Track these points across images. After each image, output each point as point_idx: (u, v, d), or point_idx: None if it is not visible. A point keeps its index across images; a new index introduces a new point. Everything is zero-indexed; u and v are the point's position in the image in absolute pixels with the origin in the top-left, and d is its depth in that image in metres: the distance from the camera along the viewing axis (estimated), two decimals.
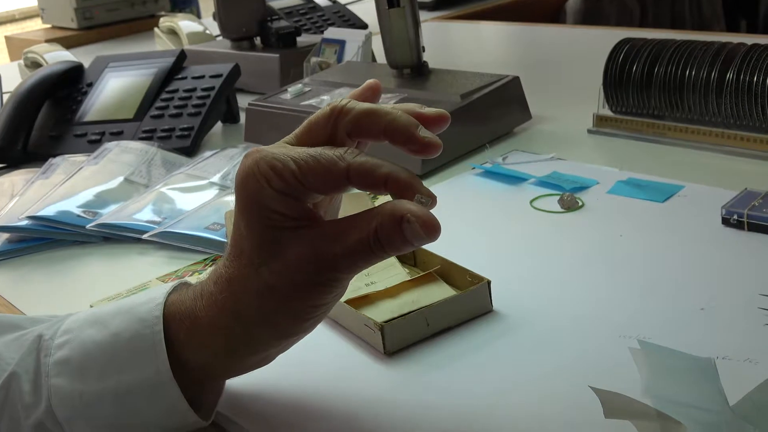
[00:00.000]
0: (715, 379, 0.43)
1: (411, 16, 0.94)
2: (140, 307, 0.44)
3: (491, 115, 0.91)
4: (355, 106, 0.42)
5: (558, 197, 0.73)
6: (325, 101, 0.94)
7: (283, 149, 0.42)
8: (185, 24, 1.46)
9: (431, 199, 0.40)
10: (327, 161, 0.40)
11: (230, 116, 1.10)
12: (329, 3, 1.68)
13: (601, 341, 0.52)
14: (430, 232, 0.40)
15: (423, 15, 1.74)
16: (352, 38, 1.14)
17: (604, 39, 1.05)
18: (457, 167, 0.84)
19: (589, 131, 0.91)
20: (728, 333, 0.51)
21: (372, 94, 0.47)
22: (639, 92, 0.87)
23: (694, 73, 0.83)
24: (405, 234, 0.40)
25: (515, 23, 1.63)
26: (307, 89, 0.99)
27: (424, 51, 0.97)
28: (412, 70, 0.96)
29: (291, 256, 0.41)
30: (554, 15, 2.19)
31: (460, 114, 0.87)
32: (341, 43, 1.14)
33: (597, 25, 1.90)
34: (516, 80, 0.94)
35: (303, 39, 1.26)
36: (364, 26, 1.59)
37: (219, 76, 1.06)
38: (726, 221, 0.65)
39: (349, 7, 1.71)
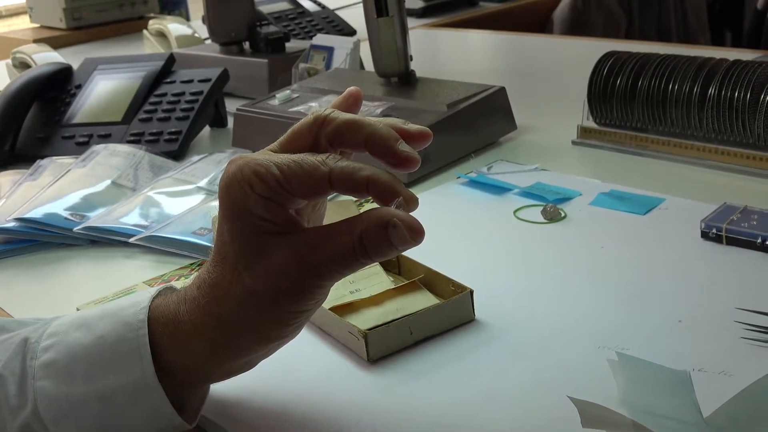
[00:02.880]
0: (690, 391, 0.44)
1: (399, 25, 0.95)
2: (125, 310, 0.45)
3: (477, 125, 0.92)
4: (337, 117, 0.43)
5: (541, 208, 0.74)
6: (313, 108, 0.94)
7: (266, 155, 0.42)
8: (174, 27, 1.46)
9: (412, 202, 0.41)
10: (309, 166, 0.41)
11: (218, 121, 1.11)
12: (318, 8, 1.69)
13: (580, 352, 0.53)
14: (416, 235, 0.41)
15: (411, 22, 1.74)
16: (341, 45, 1.15)
17: (590, 50, 1.06)
18: (442, 176, 0.85)
19: (574, 142, 0.92)
20: (705, 345, 0.52)
21: (353, 102, 0.48)
22: (623, 105, 0.88)
23: (677, 87, 0.84)
24: (391, 238, 0.41)
25: (502, 32, 1.64)
26: (295, 95, 1.00)
27: (411, 60, 0.98)
28: (400, 78, 0.97)
29: (274, 262, 0.41)
30: (542, 24, 2.21)
31: (446, 123, 0.87)
32: (329, 50, 1.15)
33: (584, 36, 1.91)
34: (502, 91, 0.95)
35: (292, 45, 1.26)
36: (353, 32, 1.60)
37: (208, 80, 1.07)
38: (705, 235, 0.66)
39: (338, 12, 1.71)
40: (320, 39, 1.18)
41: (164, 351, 0.44)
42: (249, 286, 0.42)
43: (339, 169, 0.41)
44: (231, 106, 1.10)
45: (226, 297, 0.42)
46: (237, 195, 0.42)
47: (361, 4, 0.97)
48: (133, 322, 0.44)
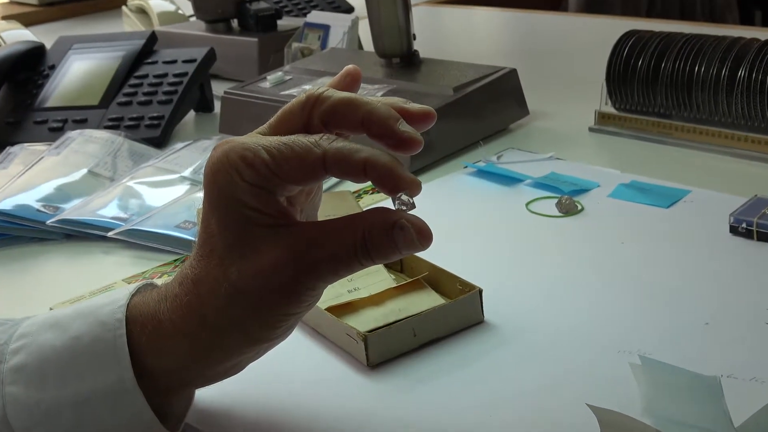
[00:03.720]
0: (719, 398, 0.43)
1: (401, 1, 0.95)
2: (101, 309, 0.45)
3: (486, 110, 0.91)
4: (332, 95, 0.43)
5: (556, 200, 0.74)
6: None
7: (254, 139, 0.42)
8: (156, 3, 1.45)
9: (414, 187, 0.41)
10: (301, 148, 0.41)
11: (204, 105, 1.10)
12: None
13: (599, 355, 0.53)
14: (424, 239, 0.40)
15: None
16: (337, 23, 1.14)
17: (608, 30, 1.06)
18: (448, 165, 0.85)
19: (591, 129, 0.92)
20: (734, 349, 0.52)
21: (351, 81, 0.47)
22: (644, 89, 0.88)
23: (703, 69, 0.84)
24: (396, 241, 0.40)
25: (513, 9, 1.64)
26: (287, 77, 1.00)
27: (414, 39, 0.98)
28: (402, 59, 0.97)
29: (265, 258, 0.41)
30: (555, 1, 2.21)
31: (452, 108, 0.87)
32: (325, 28, 1.15)
33: (601, 14, 1.91)
34: (513, 73, 0.95)
35: (284, 22, 1.26)
36: (351, 9, 1.59)
37: (192, 61, 1.07)
38: (734, 229, 0.66)
39: None
40: (315, 16, 1.18)
41: (143, 353, 0.43)
42: (236, 284, 0.41)
43: (334, 151, 0.41)
44: (218, 88, 1.10)
45: (211, 294, 0.42)
46: (223, 183, 0.41)
47: None
48: (110, 321, 0.44)
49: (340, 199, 0.73)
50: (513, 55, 1.31)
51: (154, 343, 0.43)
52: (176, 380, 0.45)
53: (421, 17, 1.55)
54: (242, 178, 0.41)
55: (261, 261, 0.41)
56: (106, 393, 0.43)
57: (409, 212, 0.41)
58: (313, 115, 0.43)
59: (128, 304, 0.45)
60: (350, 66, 0.47)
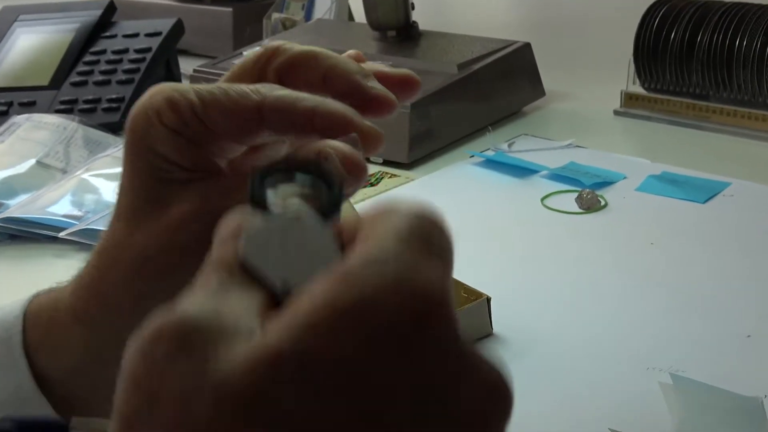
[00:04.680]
0: (762, 421, 0.44)
1: None
2: (4, 309, 0.43)
3: (495, 90, 0.92)
4: (291, 47, 0.41)
5: (576, 195, 0.74)
6: None
7: (190, 84, 0.41)
8: None
9: (374, 140, 0.38)
10: (237, 93, 0.38)
11: None
12: None
13: (624, 373, 0.53)
14: (354, 170, 0.37)
15: None
16: None
17: None
18: (451, 155, 0.85)
19: (616, 112, 0.92)
20: None
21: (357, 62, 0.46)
22: (677, 66, 0.88)
23: (745, 43, 0.84)
24: None
25: None
26: None
27: (413, 8, 0.98)
28: (399, 32, 0.97)
29: (173, 213, 0.39)
30: None
31: (456, 88, 0.87)
32: None
33: None
34: (527, 47, 0.95)
35: None
36: None
37: (157, 34, 1.07)
38: None
39: None
40: None
41: (38, 351, 0.41)
42: (141, 249, 0.39)
43: (274, 98, 0.38)
44: (187, 66, 1.10)
45: (114, 267, 0.40)
46: (140, 127, 0.39)
47: None
48: (8, 319, 0.42)
49: None
50: (527, 26, 1.32)
51: (48, 336, 0.41)
52: (76, 389, 0.43)
53: None
54: (161, 120, 0.38)
55: (168, 218, 0.39)
56: (7, 405, 0.41)
57: None
58: (268, 70, 0.41)
59: (34, 299, 0.43)
60: (353, 51, 0.46)
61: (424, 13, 1.04)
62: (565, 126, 0.91)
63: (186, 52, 1.20)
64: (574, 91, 1.00)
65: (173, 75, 1.10)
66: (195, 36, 1.19)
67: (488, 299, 0.57)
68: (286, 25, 1.13)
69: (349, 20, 1.19)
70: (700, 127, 0.87)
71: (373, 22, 0.98)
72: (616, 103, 0.93)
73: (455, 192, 0.78)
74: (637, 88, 0.92)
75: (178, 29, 1.08)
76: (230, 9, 1.21)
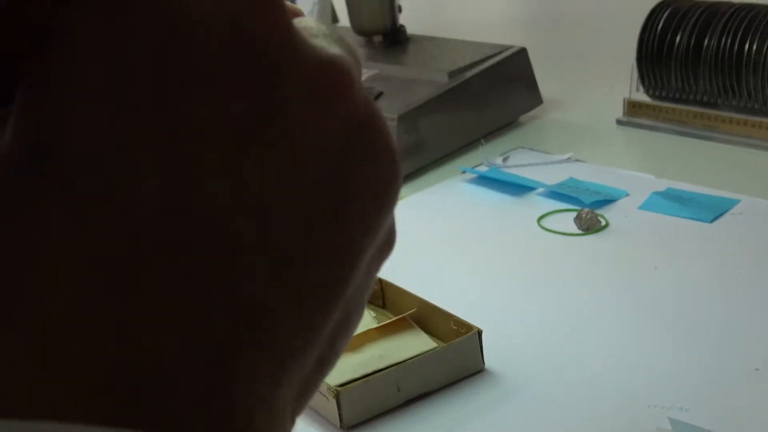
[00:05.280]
0: None
1: None
2: None
3: (489, 99, 0.92)
4: None
5: (574, 214, 0.75)
6: None
7: None
8: None
9: None
10: None
11: None
12: None
13: (624, 411, 0.53)
14: None
15: None
16: None
17: None
18: (442, 170, 0.86)
19: (619, 122, 0.93)
20: None
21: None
22: (683, 71, 0.89)
23: (755, 47, 0.85)
24: None
25: None
26: None
27: (400, 11, 0.99)
28: (385, 37, 0.98)
29: None
30: None
31: (447, 98, 0.88)
32: None
33: None
34: (522, 53, 0.96)
35: None
36: None
37: None
38: None
39: None
40: None
41: None
42: None
43: None
44: None
45: None
46: None
47: None
48: None
49: None
50: (523, 29, 1.32)
51: None
52: None
53: None
54: None
55: None
56: None
57: None
58: None
59: None
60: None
61: (413, 16, 1.05)
62: (564, 137, 0.91)
63: None
64: (573, 99, 1.00)
65: None
66: None
67: (479, 332, 0.58)
68: None
69: (333, 23, 1.20)
70: (707, 137, 0.88)
71: (358, 27, 0.98)
72: (619, 112, 0.93)
73: (447, 212, 0.78)
74: (641, 96, 0.93)
75: None
76: None
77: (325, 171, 0.22)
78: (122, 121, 0.20)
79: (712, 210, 0.74)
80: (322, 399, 0.55)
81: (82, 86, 0.20)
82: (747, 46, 0.85)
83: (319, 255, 0.22)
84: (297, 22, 0.25)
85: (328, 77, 0.22)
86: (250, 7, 0.21)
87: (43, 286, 0.19)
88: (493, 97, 0.93)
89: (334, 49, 0.23)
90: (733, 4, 0.89)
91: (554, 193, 0.79)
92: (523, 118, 0.96)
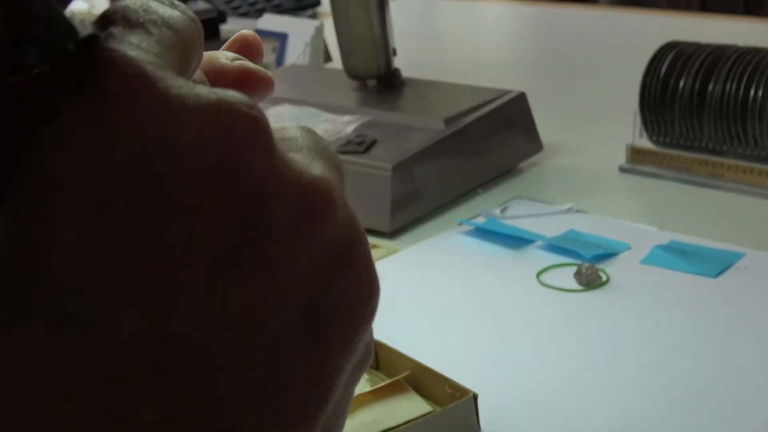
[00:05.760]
0: None
1: (377, 5, 0.97)
2: None
3: (487, 146, 0.94)
4: None
5: (574, 269, 0.76)
6: None
7: None
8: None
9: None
10: None
11: None
12: None
13: None
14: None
15: None
16: (297, 30, 1.17)
17: (650, 30, 1.09)
18: (438, 221, 0.88)
19: (621, 169, 0.95)
20: None
21: (240, 49, 0.37)
22: (688, 117, 0.91)
23: (761, 93, 0.87)
24: None
25: (524, 2, 1.68)
26: None
27: (395, 55, 1.01)
28: (379, 81, 1.00)
29: None
30: None
31: (443, 146, 0.90)
32: (282, 38, 1.18)
33: (644, 6, 1.93)
34: (521, 98, 0.98)
35: (230, 27, 1.29)
36: (317, 2, 1.63)
37: None
38: None
39: None
40: (269, 21, 1.21)
41: None
42: None
43: None
44: None
45: None
46: None
47: None
48: None
49: None
50: (523, 68, 1.34)
51: None
52: None
53: (406, 13, 1.59)
54: None
55: None
56: None
57: None
58: None
59: None
60: (245, 32, 0.38)
61: (409, 56, 1.07)
62: (564, 185, 0.93)
63: None
64: (574, 145, 1.02)
65: None
66: None
67: (475, 396, 0.59)
68: None
69: (326, 61, 1.22)
70: (712, 186, 0.90)
71: (351, 71, 1.00)
72: (621, 159, 0.95)
73: (443, 266, 0.80)
74: (644, 142, 0.95)
75: None
76: None
77: (305, 292, 0.23)
78: (105, 248, 0.21)
79: (717, 264, 0.76)
80: None
81: (64, 212, 0.21)
82: (753, 92, 0.87)
83: (296, 377, 0.23)
84: (280, 133, 0.26)
85: (311, 201, 0.23)
86: (234, 133, 0.22)
87: (24, 410, 0.21)
88: (491, 143, 0.95)
89: (316, 167, 0.24)
90: (738, 48, 0.91)
91: (554, 247, 0.81)
92: (522, 164, 0.98)
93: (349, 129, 0.93)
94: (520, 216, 0.87)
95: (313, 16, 1.56)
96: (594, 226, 0.84)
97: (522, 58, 1.44)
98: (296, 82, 1.07)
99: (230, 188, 0.22)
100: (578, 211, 0.87)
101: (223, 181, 0.22)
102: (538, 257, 0.80)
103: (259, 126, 0.23)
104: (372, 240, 0.83)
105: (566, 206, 0.88)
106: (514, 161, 0.98)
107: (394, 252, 0.81)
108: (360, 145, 0.89)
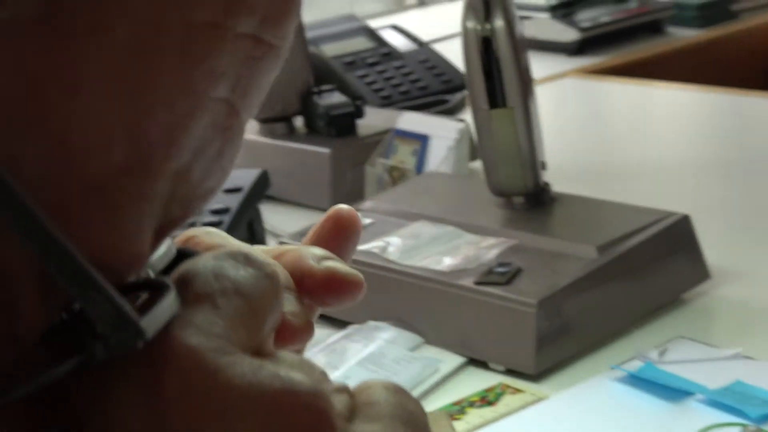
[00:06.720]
0: None
1: (524, 119, 0.99)
2: None
3: (645, 277, 0.95)
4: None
5: (739, 429, 0.76)
6: (393, 249, 0.98)
7: None
8: None
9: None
10: None
11: None
12: (414, 46, 1.73)
13: None
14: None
15: (559, 63, 1.79)
16: (440, 132, 1.19)
17: None
18: (587, 364, 0.88)
19: None
20: None
21: (335, 230, 0.41)
22: None
23: None
24: None
25: (707, 87, 1.65)
26: (367, 221, 1.03)
27: (544, 169, 1.02)
28: (527, 198, 1.01)
29: None
30: None
31: (596, 278, 0.91)
32: (423, 140, 1.19)
33: None
34: (685, 221, 0.98)
35: (367, 122, 1.30)
36: (460, 87, 1.63)
37: (237, 190, 1.11)
38: None
39: (443, 47, 1.74)
40: (408, 121, 1.23)
41: None
42: None
43: None
44: (274, 219, 1.15)
45: None
46: None
47: None
48: None
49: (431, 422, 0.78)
50: (698, 171, 1.32)
51: None
52: None
53: (566, 97, 1.59)
54: None
55: None
56: None
57: None
58: None
59: None
60: (339, 208, 0.42)
61: (563, 163, 1.08)
62: (733, 321, 0.93)
63: (273, 198, 1.24)
64: (746, 272, 1.01)
65: (257, 237, 1.16)
66: (285, 179, 1.25)
67: None
68: (394, 176, 1.17)
69: (472, 159, 1.22)
70: None
71: (495, 187, 1.01)
72: None
73: (590, 419, 0.80)
74: None
75: (262, 183, 1.13)
76: (328, 150, 1.26)
77: None
78: None
79: None
80: None
81: None
82: None
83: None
84: (365, 394, 0.29)
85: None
86: (296, 429, 0.26)
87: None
88: (649, 273, 0.95)
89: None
90: None
91: (716, 402, 0.80)
92: (686, 295, 0.98)
93: (492, 254, 0.94)
94: (681, 361, 0.87)
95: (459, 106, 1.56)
96: (765, 376, 0.83)
97: (696, 157, 1.40)
98: (436, 195, 1.09)
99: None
100: (747, 357, 0.87)
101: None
102: (697, 413, 0.80)
103: (323, 419, 0.26)
104: (514, 383, 0.84)
105: (734, 351, 0.87)
106: (676, 292, 0.97)
107: (540, 399, 0.82)
108: (503, 275, 0.90)
